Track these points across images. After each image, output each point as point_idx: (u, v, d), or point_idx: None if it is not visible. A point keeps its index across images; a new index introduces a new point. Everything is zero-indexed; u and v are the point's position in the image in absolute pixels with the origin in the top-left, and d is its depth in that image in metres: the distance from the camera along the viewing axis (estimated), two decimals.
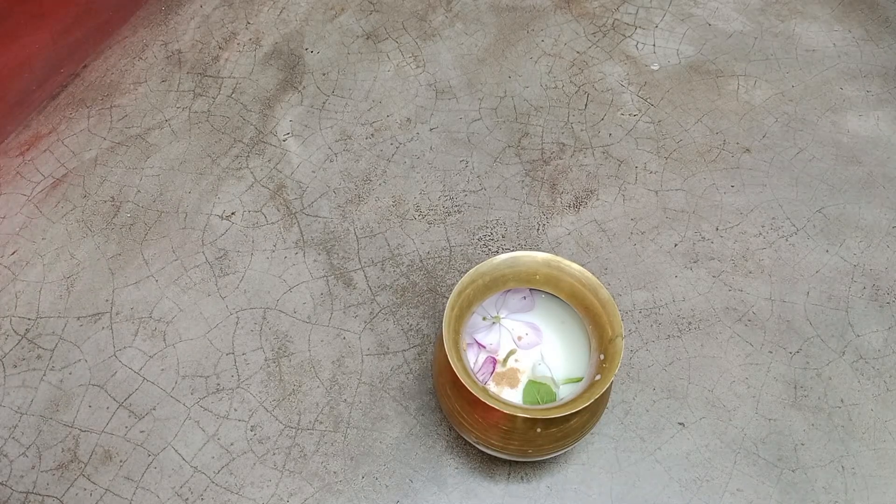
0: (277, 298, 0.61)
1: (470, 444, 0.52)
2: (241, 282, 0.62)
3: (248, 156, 0.72)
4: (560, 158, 0.70)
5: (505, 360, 0.52)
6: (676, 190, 0.68)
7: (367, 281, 0.62)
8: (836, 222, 0.66)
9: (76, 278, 0.63)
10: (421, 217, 0.66)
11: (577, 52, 0.78)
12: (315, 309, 0.61)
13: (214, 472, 0.53)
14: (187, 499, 0.52)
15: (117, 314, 0.61)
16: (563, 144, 0.71)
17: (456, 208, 0.67)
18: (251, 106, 0.76)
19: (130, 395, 0.56)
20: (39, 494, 0.52)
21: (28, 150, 0.74)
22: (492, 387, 0.51)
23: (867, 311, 0.61)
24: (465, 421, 0.47)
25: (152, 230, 0.67)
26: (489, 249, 0.64)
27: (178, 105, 0.77)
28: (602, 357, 0.45)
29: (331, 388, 0.57)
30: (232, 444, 0.54)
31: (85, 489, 0.52)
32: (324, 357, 0.58)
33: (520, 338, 0.53)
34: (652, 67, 0.77)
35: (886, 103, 0.74)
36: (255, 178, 0.70)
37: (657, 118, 0.73)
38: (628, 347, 0.59)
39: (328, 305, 0.61)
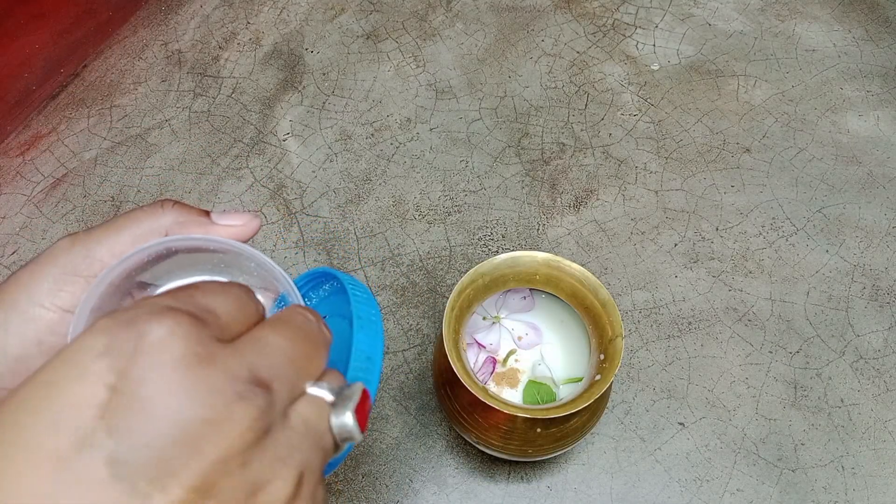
0: None
1: (470, 444, 0.52)
2: None
3: (248, 156, 0.72)
4: (560, 158, 0.70)
5: (505, 360, 0.52)
6: (676, 190, 0.68)
7: (367, 281, 0.62)
8: (836, 222, 0.66)
9: None
10: (421, 217, 0.66)
11: (577, 52, 0.78)
12: None
13: None
14: None
15: None
16: (563, 144, 0.71)
17: (456, 208, 0.67)
18: (251, 106, 0.76)
19: None
20: None
21: (28, 150, 0.74)
22: (492, 387, 0.51)
23: (867, 311, 0.61)
24: (465, 421, 0.47)
25: None
26: (489, 249, 0.64)
27: (178, 105, 0.77)
28: (602, 357, 0.45)
29: None
30: None
31: None
32: None
33: (520, 338, 0.53)
34: (652, 67, 0.77)
35: (886, 103, 0.74)
36: (255, 178, 0.70)
37: (657, 118, 0.73)
38: (628, 347, 0.59)
39: None
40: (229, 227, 0.29)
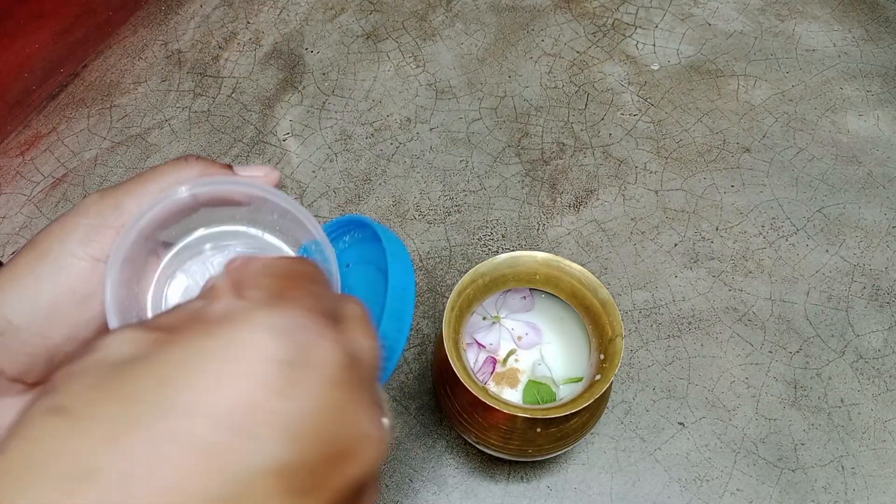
0: None
1: (470, 444, 0.52)
2: None
3: (248, 156, 0.72)
4: (560, 158, 0.70)
5: (505, 360, 0.52)
6: (676, 190, 0.68)
7: None
8: (836, 222, 0.66)
9: None
10: (421, 217, 0.66)
11: (577, 52, 0.78)
12: None
13: None
14: None
15: None
16: (563, 144, 0.71)
17: (456, 208, 0.67)
18: (251, 106, 0.76)
19: None
20: None
21: (28, 150, 0.74)
22: (492, 387, 0.51)
23: (867, 311, 0.61)
24: (465, 421, 0.47)
25: None
26: (489, 249, 0.64)
27: (178, 105, 0.77)
28: (602, 357, 0.45)
29: None
30: None
31: None
32: None
33: (520, 338, 0.53)
34: (652, 67, 0.77)
35: (886, 103, 0.74)
36: None
37: (657, 118, 0.73)
38: (628, 347, 0.59)
39: None
40: (252, 178, 0.31)
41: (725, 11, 0.82)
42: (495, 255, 0.53)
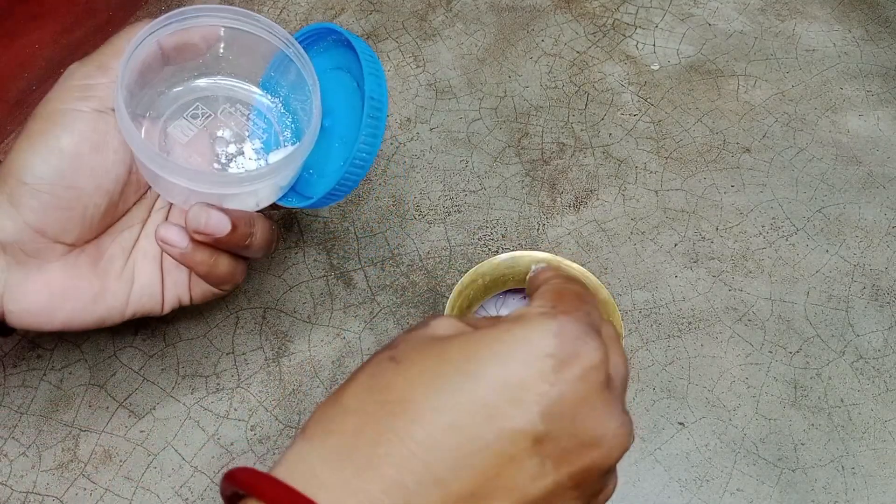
0: (277, 298, 0.61)
1: None
2: None
3: None
4: (560, 158, 0.70)
5: None
6: (676, 190, 0.68)
7: (367, 281, 0.62)
8: (836, 222, 0.66)
9: None
10: (421, 217, 0.66)
11: (577, 52, 0.78)
12: (315, 308, 0.61)
13: (214, 472, 0.53)
14: (187, 499, 0.52)
15: None
16: (563, 144, 0.71)
17: (456, 208, 0.67)
18: None
19: (130, 394, 0.56)
20: (39, 494, 0.52)
21: None
22: None
23: (867, 311, 0.61)
24: None
25: None
26: (489, 249, 0.64)
27: None
28: None
29: (331, 388, 0.57)
30: (232, 444, 0.54)
31: (85, 489, 0.52)
32: (324, 357, 0.58)
33: None
34: (652, 67, 0.77)
35: (886, 103, 0.74)
36: None
37: (657, 118, 0.73)
38: (628, 347, 0.59)
39: (328, 305, 0.61)
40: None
41: (725, 11, 0.82)
42: (495, 255, 0.53)
